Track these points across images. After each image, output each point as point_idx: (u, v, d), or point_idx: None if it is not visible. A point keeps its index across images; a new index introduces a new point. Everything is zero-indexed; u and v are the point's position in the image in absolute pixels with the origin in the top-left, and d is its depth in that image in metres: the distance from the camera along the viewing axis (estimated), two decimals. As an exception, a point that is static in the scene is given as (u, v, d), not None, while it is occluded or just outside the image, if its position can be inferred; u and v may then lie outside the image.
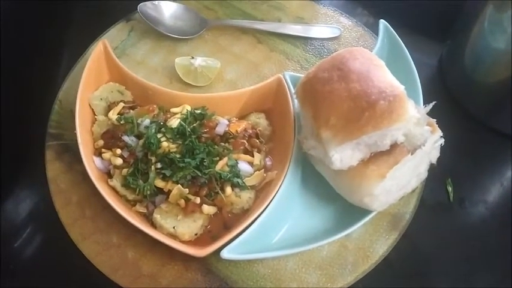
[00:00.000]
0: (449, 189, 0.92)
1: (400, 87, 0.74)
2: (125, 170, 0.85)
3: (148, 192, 0.83)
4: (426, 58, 1.09)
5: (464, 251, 0.88)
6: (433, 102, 0.74)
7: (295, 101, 0.89)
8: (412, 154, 0.74)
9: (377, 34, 1.02)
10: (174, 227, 0.80)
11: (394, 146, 0.75)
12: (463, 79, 1.00)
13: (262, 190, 0.87)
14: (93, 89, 0.95)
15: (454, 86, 1.03)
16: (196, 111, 0.90)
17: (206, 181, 0.83)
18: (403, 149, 0.76)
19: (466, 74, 0.99)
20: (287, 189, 0.83)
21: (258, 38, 1.10)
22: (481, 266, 0.87)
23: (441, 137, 0.80)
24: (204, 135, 0.87)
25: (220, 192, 0.83)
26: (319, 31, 1.09)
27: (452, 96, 1.02)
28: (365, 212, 0.80)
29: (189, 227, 0.81)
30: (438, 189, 0.92)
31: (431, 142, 0.78)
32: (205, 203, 0.82)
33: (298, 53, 1.07)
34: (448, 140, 0.81)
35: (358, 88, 0.74)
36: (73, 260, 0.83)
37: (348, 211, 0.82)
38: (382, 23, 0.99)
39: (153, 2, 1.10)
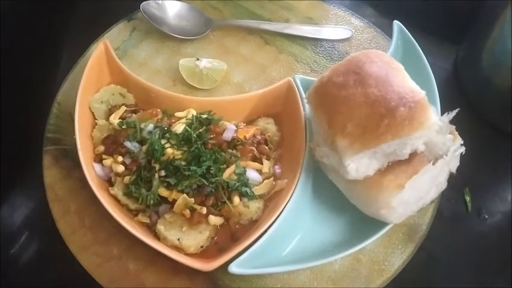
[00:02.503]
0: (467, 199, 0.89)
1: (421, 93, 0.70)
2: (126, 178, 0.82)
3: (152, 202, 0.80)
4: (439, 61, 1.05)
5: (483, 263, 0.85)
6: (456, 110, 0.70)
7: (306, 105, 0.86)
8: (433, 164, 0.70)
9: (389, 35, 0.98)
10: (178, 239, 0.77)
11: (413, 154, 0.72)
12: (480, 83, 0.97)
13: (271, 199, 0.84)
14: (93, 91, 0.92)
15: (471, 90, 1.00)
16: (202, 115, 0.87)
17: (213, 190, 0.80)
18: (422, 158, 0.73)
19: (484, 78, 0.95)
20: (298, 199, 0.80)
21: (266, 39, 1.06)
22: (500, 279, 0.84)
23: (461, 145, 0.77)
24: (210, 141, 0.84)
25: (227, 202, 0.80)
26: (329, 32, 1.06)
27: (468, 101, 0.99)
28: (380, 223, 0.77)
29: (195, 238, 0.78)
30: (455, 199, 0.90)
31: (451, 151, 0.75)
32: (211, 214, 0.79)
33: (308, 55, 1.03)
34: (465, 148, 0.78)
35: (376, 93, 0.70)
36: (71, 270, 0.80)
37: (363, 223, 0.79)
38: (396, 24, 0.95)
39: (157, 0, 1.06)
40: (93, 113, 0.91)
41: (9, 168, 0.94)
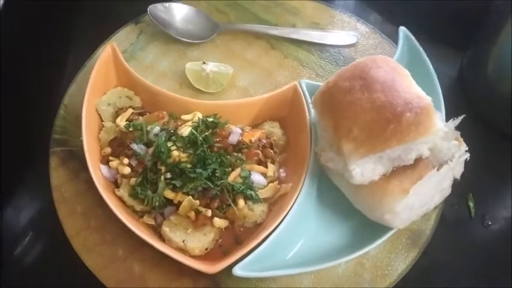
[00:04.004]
0: (471, 205, 0.89)
1: (427, 99, 0.70)
2: (132, 180, 0.82)
3: (157, 204, 0.80)
4: (445, 67, 1.04)
5: (486, 269, 0.85)
6: (462, 116, 0.70)
7: (312, 110, 0.86)
8: (438, 170, 0.71)
9: (395, 41, 0.98)
10: (183, 241, 0.77)
11: (418, 160, 0.72)
12: (486, 90, 0.97)
13: (275, 203, 0.84)
14: (100, 93, 0.92)
15: (476, 97, 1.00)
16: (208, 119, 0.87)
17: (218, 193, 0.80)
18: (427, 164, 0.73)
19: (489, 85, 0.95)
20: (303, 202, 0.80)
21: (272, 43, 1.06)
22: (502, 285, 0.83)
23: (466, 151, 0.77)
24: (216, 144, 0.84)
25: (232, 204, 0.80)
26: (335, 38, 1.06)
27: (473, 107, 0.99)
28: (384, 228, 0.77)
29: (200, 241, 0.78)
30: (459, 205, 0.89)
31: (456, 157, 0.75)
32: (216, 216, 0.79)
33: (313, 60, 1.04)
34: (470, 154, 0.78)
35: (382, 99, 0.70)
36: (75, 272, 0.81)
37: (367, 227, 0.79)
38: (402, 30, 0.96)
39: (164, 4, 1.06)
40: (100, 115, 0.91)
41: (14, 169, 0.94)
